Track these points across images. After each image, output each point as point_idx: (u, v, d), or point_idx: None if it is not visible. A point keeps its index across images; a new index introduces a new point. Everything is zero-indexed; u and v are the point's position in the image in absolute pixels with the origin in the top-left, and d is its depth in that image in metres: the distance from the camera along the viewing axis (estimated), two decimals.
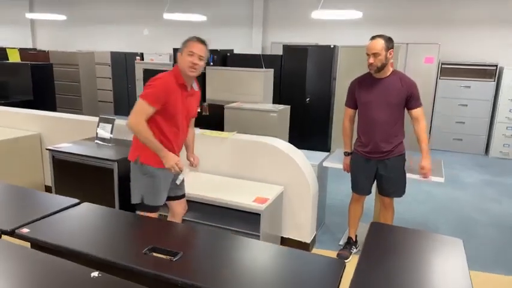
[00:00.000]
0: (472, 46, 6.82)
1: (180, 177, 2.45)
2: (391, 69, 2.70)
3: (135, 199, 2.35)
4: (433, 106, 6.67)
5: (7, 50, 6.74)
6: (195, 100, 2.44)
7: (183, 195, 2.58)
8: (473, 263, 3.03)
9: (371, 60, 2.59)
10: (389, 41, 2.62)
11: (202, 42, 2.24)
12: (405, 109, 2.74)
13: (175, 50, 6.45)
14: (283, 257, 1.69)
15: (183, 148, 2.54)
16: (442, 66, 6.53)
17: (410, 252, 1.74)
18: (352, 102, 2.85)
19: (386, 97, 2.65)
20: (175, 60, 6.56)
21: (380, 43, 2.58)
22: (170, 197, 2.49)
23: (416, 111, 2.69)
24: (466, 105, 6.50)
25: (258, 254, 1.71)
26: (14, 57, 6.65)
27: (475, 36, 6.80)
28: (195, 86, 2.41)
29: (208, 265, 1.58)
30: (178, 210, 2.56)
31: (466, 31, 6.85)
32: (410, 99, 2.66)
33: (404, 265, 1.63)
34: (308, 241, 3.06)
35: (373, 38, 2.62)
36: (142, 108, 2.15)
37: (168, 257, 1.60)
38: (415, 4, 7.11)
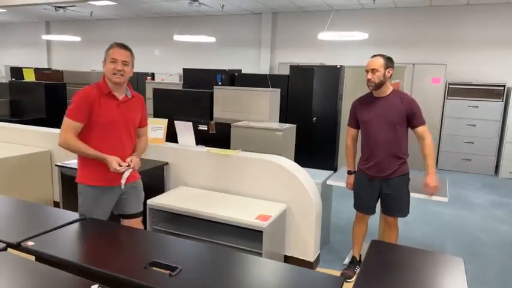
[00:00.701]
0: (479, 66, 6.85)
1: (122, 181, 2.31)
2: (391, 89, 2.74)
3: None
4: (441, 126, 6.66)
5: (23, 69, 6.98)
6: (134, 107, 2.36)
7: (135, 215, 2.46)
8: (480, 284, 2.97)
9: (369, 76, 2.65)
10: (388, 60, 2.68)
11: (125, 47, 2.25)
12: (409, 128, 2.76)
13: (185, 70, 6.61)
14: (280, 273, 1.70)
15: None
16: (450, 86, 6.55)
17: (409, 270, 1.73)
18: (354, 121, 2.89)
19: (387, 116, 2.68)
20: (185, 81, 6.72)
21: (379, 60, 2.65)
22: (120, 215, 2.44)
23: (420, 129, 2.70)
24: (475, 125, 6.47)
25: (256, 270, 1.72)
26: (30, 77, 6.88)
27: (482, 56, 6.83)
28: (129, 94, 2.34)
29: (206, 280, 1.59)
30: None
31: (473, 51, 6.89)
32: (412, 117, 2.68)
33: (402, 283, 1.62)
34: (312, 260, 3.05)
35: (373, 56, 2.70)
36: (67, 125, 2.17)
37: (167, 271, 1.62)
38: (421, 25, 7.20)
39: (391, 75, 2.69)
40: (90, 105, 2.18)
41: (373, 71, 2.64)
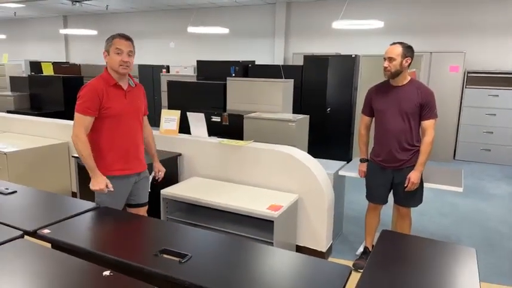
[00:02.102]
0: (499, 53, 6.63)
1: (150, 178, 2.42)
2: (408, 78, 2.69)
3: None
4: (459, 116, 6.50)
5: (42, 64, 7.13)
6: (138, 96, 2.41)
7: (142, 204, 2.53)
8: (496, 275, 2.92)
9: (386, 64, 2.61)
10: (408, 49, 2.62)
11: (128, 38, 2.25)
12: None
13: (199, 62, 6.63)
14: (288, 261, 1.71)
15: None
16: (468, 74, 6.37)
17: (419, 260, 1.72)
18: (368, 109, 2.86)
19: (401, 105, 2.64)
20: (199, 73, 6.75)
21: (398, 49, 2.60)
22: (128, 205, 2.48)
23: (427, 123, 2.64)
24: (495, 115, 6.29)
25: (264, 257, 1.74)
26: (48, 71, 7.02)
27: (501, 43, 6.61)
28: (132, 83, 2.37)
29: (216, 267, 1.62)
30: None
31: (492, 38, 6.67)
32: (424, 109, 2.62)
33: (411, 273, 1.61)
34: (324, 250, 3.05)
35: (392, 44, 2.64)
36: (78, 121, 2.18)
37: (177, 258, 1.66)
38: (438, 12, 7.01)
39: (409, 65, 2.64)
40: (99, 98, 2.19)
41: (390, 59, 2.59)
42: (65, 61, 11.37)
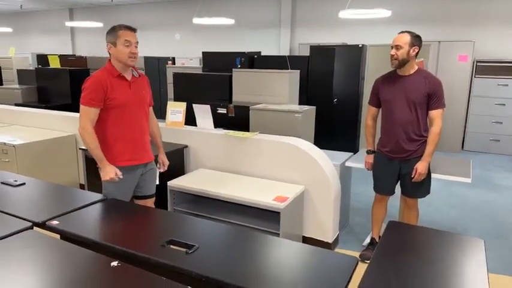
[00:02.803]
0: (508, 43, 6.51)
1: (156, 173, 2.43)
2: (415, 68, 2.66)
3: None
4: (468, 106, 6.42)
5: (48, 57, 7.16)
6: (143, 86, 2.41)
7: (150, 196, 2.53)
8: (506, 266, 2.91)
9: (392, 52, 2.58)
10: (416, 38, 2.58)
11: (133, 29, 2.25)
12: None
13: (204, 54, 6.60)
14: (294, 251, 1.72)
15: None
16: (478, 64, 6.28)
17: (426, 250, 1.71)
18: (375, 100, 2.83)
19: (409, 95, 2.61)
20: (204, 64, 6.73)
21: (405, 37, 2.57)
22: (136, 196, 2.48)
23: (435, 113, 2.61)
24: (504, 105, 6.20)
25: (270, 248, 1.74)
26: (55, 64, 7.05)
27: (511, 32, 6.48)
28: (136, 73, 2.37)
29: (222, 257, 1.63)
30: None
31: (501, 27, 6.54)
32: (432, 98, 2.59)
33: (418, 263, 1.61)
34: (330, 241, 3.05)
35: (400, 32, 2.61)
36: (84, 113, 2.19)
37: (184, 249, 1.67)
38: (446, 1, 6.88)
39: (416, 54, 2.61)
40: (103, 89, 2.19)
41: (397, 47, 2.56)
42: (71, 54, 11.40)
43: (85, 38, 11.75)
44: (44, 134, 4.11)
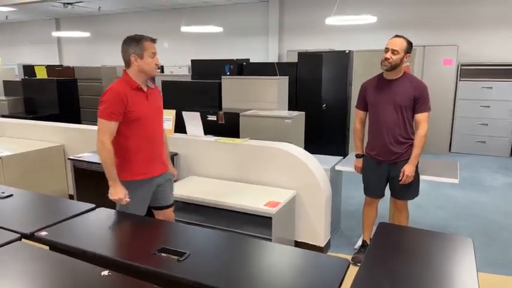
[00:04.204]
0: (492, 46, 6.66)
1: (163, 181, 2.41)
2: (402, 72, 2.70)
3: (117, 207, 2.31)
4: (454, 108, 6.53)
5: (35, 67, 7.09)
6: (157, 97, 2.40)
7: (168, 206, 2.50)
8: (494, 266, 2.94)
9: (388, 55, 2.57)
10: (410, 45, 2.64)
11: (155, 40, 2.25)
12: None
13: (193, 62, 6.62)
14: (287, 256, 1.72)
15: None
16: (462, 67, 6.40)
17: (416, 251, 1.73)
18: (363, 104, 2.86)
19: (396, 99, 2.65)
20: (193, 72, 6.74)
21: (403, 43, 2.60)
22: (155, 207, 2.46)
23: (421, 116, 2.65)
24: (489, 107, 6.33)
25: (263, 253, 1.74)
26: (42, 74, 6.99)
27: (494, 35, 6.64)
28: (150, 84, 2.35)
29: (215, 264, 1.62)
30: (159, 218, 2.46)
31: (484, 31, 6.70)
32: (418, 102, 2.63)
33: (409, 264, 1.62)
34: (322, 245, 3.06)
35: (397, 36, 2.63)
36: (103, 127, 2.14)
37: (176, 256, 1.66)
38: (430, 6, 7.03)
39: (407, 61, 2.65)
40: (123, 102, 2.15)
41: (394, 51, 2.57)
42: (58, 64, 11.31)
43: (72, 48, 11.68)
44: (32, 145, 4.06)
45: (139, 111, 2.22)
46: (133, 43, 2.19)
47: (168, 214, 2.52)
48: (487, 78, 6.28)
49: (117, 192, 2.20)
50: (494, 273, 2.84)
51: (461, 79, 6.42)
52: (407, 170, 2.66)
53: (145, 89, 2.29)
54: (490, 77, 6.25)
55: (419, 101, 2.63)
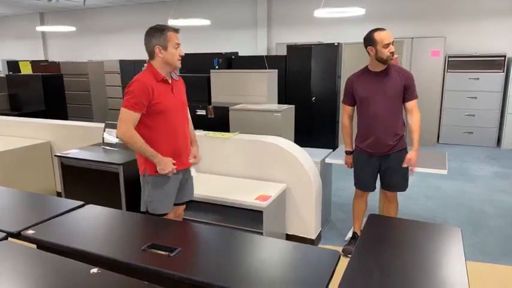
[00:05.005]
0: (478, 37, 6.73)
1: (193, 173, 2.41)
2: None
3: (142, 207, 2.33)
4: (442, 100, 6.60)
5: (19, 63, 6.95)
6: (182, 89, 2.36)
7: (185, 203, 2.50)
8: (482, 254, 3.00)
9: (393, 48, 2.58)
10: None
11: (178, 30, 2.21)
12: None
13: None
14: (278, 249, 1.72)
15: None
16: (449, 59, 6.46)
17: (406, 241, 1.74)
18: (350, 99, 2.85)
19: (386, 91, 2.65)
20: (181, 66, 6.67)
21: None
22: (176, 203, 2.43)
23: (412, 103, 2.68)
24: (476, 98, 6.41)
25: (254, 247, 1.74)
26: (26, 70, 6.85)
27: (481, 27, 6.70)
28: (174, 75, 2.30)
29: (206, 259, 1.62)
30: (170, 216, 2.41)
31: (471, 23, 6.75)
32: (407, 91, 2.66)
33: (398, 254, 1.64)
34: (313, 237, 3.08)
35: (383, 29, 2.61)
36: (127, 116, 2.10)
37: (166, 253, 1.64)
38: None
39: None
40: (149, 94, 2.10)
41: (393, 43, 2.60)
42: (43, 59, 11.10)
43: (57, 42, 11.46)
44: (17, 142, 3.98)
45: (165, 104, 2.18)
46: (157, 34, 2.15)
47: (180, 211, 2.51)
48: (473, 69, 6.34)
49: (165, 163, 2.17)
50: (482, 261, 2.89)
51: (448, 70, 6.48)
52: (413, 157, 2.67)
53: (170, 81, 2.24)
54: (477, 68, 6.32)
55: (409, 89, 2.65)
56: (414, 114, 2.68)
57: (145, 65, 2.29)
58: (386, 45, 2.58)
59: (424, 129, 6.40)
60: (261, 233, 2.64)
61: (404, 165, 2.71)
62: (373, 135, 2.74)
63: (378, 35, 2.59)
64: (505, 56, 6.15)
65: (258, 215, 2.66)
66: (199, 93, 5.17)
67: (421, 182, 4.64)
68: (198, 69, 6.08)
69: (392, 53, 2.60)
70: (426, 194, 4.31)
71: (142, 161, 2.27)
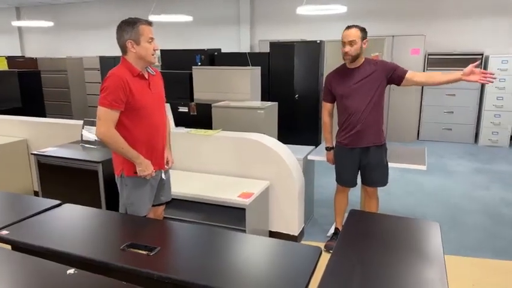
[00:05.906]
0: (457, 36, 6.86)
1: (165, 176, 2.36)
2: (363, 58, 2.73)
3: (121, 210, 2.26)
4: (421, 97, 6.72)
5: None
6: (159, 84, 2.27)
7: (164, 204, 2.45)
8: (461, 248, 3.06)
9: (347, 49, 2.61)
10: (363, 31, 2.65)
11: (151, 23, 2.13)
12: (388, 93, 2.76)
13: (162, 52, 6.45)
14: (260, 246, 1.71)
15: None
16: (429, 57, 6.57)
17: (386, 236, 1.76)
18: (330, 96, 2.87)
19: (364, 85, 2.68)
20: (163, 62, 6.58)
21: (356, 32, 2.62)
22: (153, 204, 2.38)
23: (409, 73, 2.66)
24: (454, 95, 6.54)
25: (236, 244, 1.73)
26: (2, 66, 6.64)
27: (460, 26, 6.84)
28: (151, 70, 2.22)
29: (186, 258, 1.59)
30: (150, 216, 2.36)
31: (451, 21, 6.89)
32: (395, 72, 2.66)
33: (379, 249, 1.65)
34: (296, 234, 3.08)
35: (348, 27, 2.65)
36: (106, 115, 2.00)
37: (145, 252, 1.61)
38: None
39: (366, 47, 2.67)
40: (125, 90, 2.00)
41: (351, 42, 2.60)
42: (20, 55, 10.78)
43: (35, 38, 11.14)
44: None
45: (142, 100, 2.08)
46: (129, 27, 2.05)
47: (160, 211, 2.45)
48: (452, 67, 6.46)
49: (147, 166, 2.12)
50: (460, 255, 2.96)
51: (428, 68, 6.59)
52: (468, 68, 2.42)
53: (146, 76, 2.15)
54: (455, 65, 6.44)
55: (393, 72, 2.66)
56: (419, 74, 2.69)
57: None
58: (343, 44, 2.62)
59: (404, 126, 6.51)
60: (244, 231, 2.62)
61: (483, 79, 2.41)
62: (353, 129, 2.75)
63: (343, 33, 2.64)
64: (482, 54, 6.30)
65: (241, 212, 2.65)
66: (181, 90, 5.11)
67: (401, 178, 4.71)
68: (180, 66, 6.01)
69: (345, 53, 2.61)
70: (406, 190, 4.38)
71: (119, 161, 2.17)
